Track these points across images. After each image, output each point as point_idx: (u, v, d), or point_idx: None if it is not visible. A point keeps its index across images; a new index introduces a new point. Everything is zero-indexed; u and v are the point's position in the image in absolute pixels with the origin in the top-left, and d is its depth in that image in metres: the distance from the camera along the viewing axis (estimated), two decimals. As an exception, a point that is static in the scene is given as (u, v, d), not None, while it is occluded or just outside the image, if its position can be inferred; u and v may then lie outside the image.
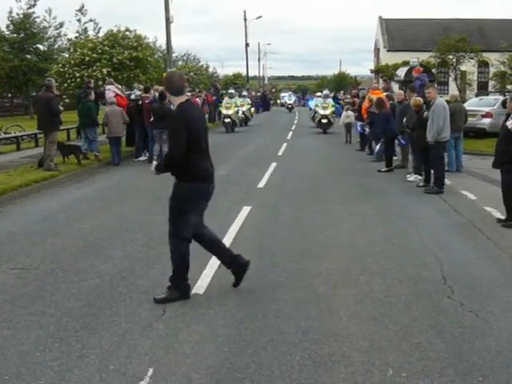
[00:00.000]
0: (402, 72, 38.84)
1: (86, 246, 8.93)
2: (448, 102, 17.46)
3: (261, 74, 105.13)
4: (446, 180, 14.50)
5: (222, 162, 18.96)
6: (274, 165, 18.31)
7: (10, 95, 51.89)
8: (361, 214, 11.20)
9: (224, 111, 33.71)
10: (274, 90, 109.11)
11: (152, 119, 18.23)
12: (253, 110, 43.43)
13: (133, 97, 20.93)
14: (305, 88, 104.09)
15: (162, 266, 7.77)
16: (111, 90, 20.14)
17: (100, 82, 31.05)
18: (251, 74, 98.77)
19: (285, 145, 25.29)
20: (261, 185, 14.72)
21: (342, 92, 56.35)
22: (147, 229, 9.96)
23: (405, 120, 15.10)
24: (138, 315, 6.13)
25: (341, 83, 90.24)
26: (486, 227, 10.12)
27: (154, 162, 18.12)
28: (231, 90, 37.46)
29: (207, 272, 7.56)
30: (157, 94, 18.96)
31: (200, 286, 7.02)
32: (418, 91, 17.68)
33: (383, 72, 49.44)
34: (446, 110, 13.21)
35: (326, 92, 34.96)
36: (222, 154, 19.47)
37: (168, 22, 30.74)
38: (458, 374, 4.89)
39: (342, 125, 26.61)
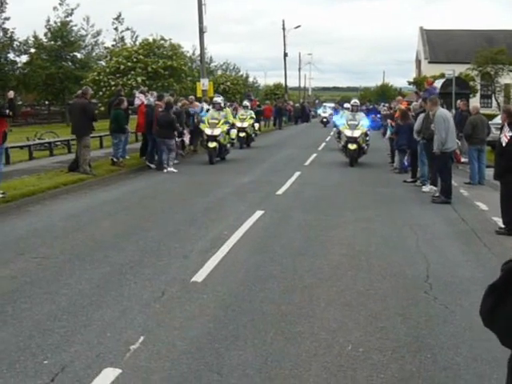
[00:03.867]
0: (438, 84, 39.40)
1: (104, 240, 10.02)
2: (470, 114, 18.29)
3: (302, 85, 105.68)
4: (463, 191, 15.40)
5: (245, 171, 20.03)
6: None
7: (47, 103, 53.81)
8: (367, 219, 12.07)
9: (207, 130, 22.26)
10: (317, 101, 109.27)
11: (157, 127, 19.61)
12: (257, 125, 32.85)
13: (137, 102, 21.80)
14: (348, 99, 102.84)
15: (169, 259, 8.84)
16: (139, 98, 21.40)
17: (134, 91, 32.40)
18: (295, 84, 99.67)
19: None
20: (280, 192, 15.65)
21: (382, 104, 56.86)
22: (162, 227, 11.03)
23: (415, 130, 15.96)
24: (139, 297, 7.15)
25: (383, 95, 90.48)
26: (486, 235, 10.90)
27: (170, 169, 19.18)
28: (217, 98, 24.87)
29: (209, 264, 8.55)
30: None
31: (200, 275, 8.01)
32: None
33: (421, 84, 50.03)
34: (447, 121, 13.94)
35: (353, 102, 24.63)
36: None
37: (201, 32, 31.94)
38: (410, 352, 5.75)
39: (387, 139, 24.50)
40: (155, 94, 22.66)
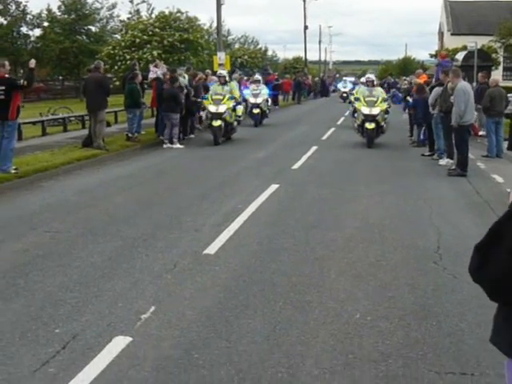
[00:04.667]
0: (460, 56, 39.14)
1: (116, 215, 10.26)
2: (489, 86, 18.31)
3: (322, 58, 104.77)
4: (480, 164, 15.54)
5: (260, 146, 20.21)
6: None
7: (61, 78, 54.00)
8: (382, 193, 12.22)
9: (211, 108, 20.31)
10: (338, 76, 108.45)
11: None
12: (270, 101, 30.44)
13: (151, 75, 21.88)
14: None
15: (180, 232, 9.06)
16: (153, 72, 21.56)
17: (150, 65, 32.53)
18: (315, 58, 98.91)
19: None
20: (296, 166, 15.81)
21: (403, 78, 56.32)
22: (174, 202, 11.29)
23: (430, 103, 16.08)
24: (151, 269, 7.38)
25: (405, 68, 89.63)
26: (500, 207, 10.95)
27: (175, 145, 19.12)
28: (221, 71, 23.88)
29: (222, 237, 8.76)
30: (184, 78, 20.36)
31: (212, 248, 8.22)
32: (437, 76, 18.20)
33: (443, 56, 49.62)
34: (467, 94, 13.97)
35: (367, 76, 22.51)
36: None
37: (219, 3, 31.81)
38: (416, 319, 5.93)
39: (406, 113, 23.72)
40: (164, 67, 22.75)
